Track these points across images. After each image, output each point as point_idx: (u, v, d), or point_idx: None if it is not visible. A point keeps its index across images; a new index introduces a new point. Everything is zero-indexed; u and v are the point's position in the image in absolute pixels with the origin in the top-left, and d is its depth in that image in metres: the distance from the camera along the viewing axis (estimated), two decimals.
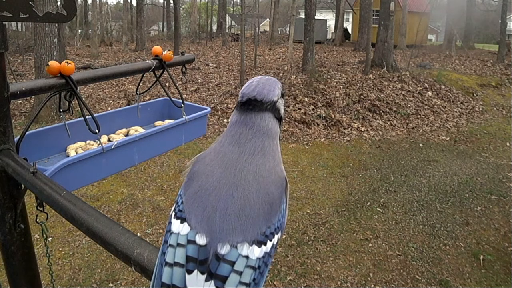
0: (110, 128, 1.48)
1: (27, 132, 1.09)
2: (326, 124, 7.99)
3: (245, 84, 0.60)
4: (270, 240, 0.50)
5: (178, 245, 0.48)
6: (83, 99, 1.13)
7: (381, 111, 8.74)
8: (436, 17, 26.91)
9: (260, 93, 0.57)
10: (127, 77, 9.44)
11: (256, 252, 0.47)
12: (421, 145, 7.54)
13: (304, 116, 8.03)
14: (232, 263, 0.45)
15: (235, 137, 0.56)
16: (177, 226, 0.50)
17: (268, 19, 30.00)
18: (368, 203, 5.11)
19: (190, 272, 0.45)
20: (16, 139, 1.04)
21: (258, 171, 0.53)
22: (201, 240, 0.47)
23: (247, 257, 0.46)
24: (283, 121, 0.64)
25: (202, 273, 0.45)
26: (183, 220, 0.50)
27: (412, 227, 4.58)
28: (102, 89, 9.77)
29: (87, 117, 1.12)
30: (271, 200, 0.52)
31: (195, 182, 0.53)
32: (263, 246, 0.48)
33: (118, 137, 1.44)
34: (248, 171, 0.53)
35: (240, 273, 0.45)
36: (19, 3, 0.92)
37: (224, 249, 0.46)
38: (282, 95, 0.63)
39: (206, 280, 0.45)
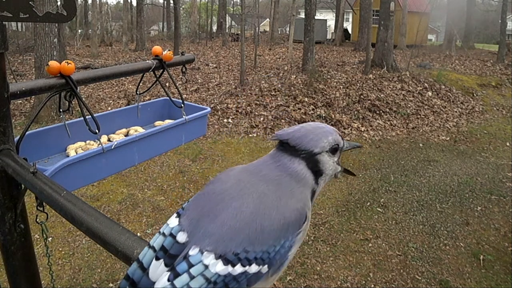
0: (110, 128, 1.48)
1: (27, 132, 1.08)
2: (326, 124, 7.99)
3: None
4: (243, 266, 0.46)
5: (162, 234, 0.51)
6: (83, 99, 1.13)
7: (381, 111, 8.74)
8: (436, 17, 26.91)
9: (296, 138, 0.55)
10: (127, 77, 9.44)
11: (218, 267, 0.45)
12: (421, 145, 7.54)
13: (304, 116, 8.03)
14: (191, 266, 0.46)
15: (260, 161, 0.56)
16: (172, 219, 0.53)
17: (268, 19, 29.99)
18: (368, 203, 5.11)
19: (158, 259, 0.48)
20: (16, 139, 1.04)
21: (267, 193, 0.51)
22: (181, 237, 0.49)
23: (206, 266, 0.45)
24: (323, 179, 0.57)
25: (166, 265, 0.47)
26: (178, 215, 0.53)
27: (412, 227, 4.58)
28: (102, 89, 9.77)
29: (87, 117, 1.12)
30: (265, 226, 0.48)
31: (209, 186, 0.55)
32: (229, 266, 0.46)
33: (118, 137, 1.43)
34: (257, 189, 0.51)
35: (192, 277, 0.45)
36: (19, 3, 0.91)
37: (194, 251, 0.47)
38: (335, 151, 0.57)
39: (167, 271, 0.47)
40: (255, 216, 0.48)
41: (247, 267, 0.46)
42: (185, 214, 0.52)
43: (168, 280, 0.45)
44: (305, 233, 0.53)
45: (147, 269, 0.48)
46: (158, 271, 0.47)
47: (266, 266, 0.48)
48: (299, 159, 0.54)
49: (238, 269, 0.46)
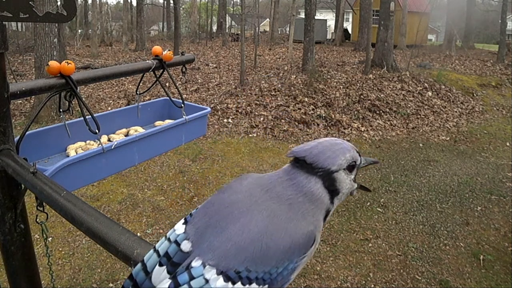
0: (110, 128, 1.48)
1: (27, 132, 1.08)
2: (326, 124, 7.99)
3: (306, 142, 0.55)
4: (243, 284, 0.46)
5: (168, 239, 0.51)
6: (83, 99, 1.13)
7: (381, 111, 8.74)
8: (436, 17, 26.91)
9: (313, 156, 0.52)
10: (127, 77, 9.44)
11: (218, 283, 0.45)
12: (421, 145, 7.54)
13: (304, 116, 8.03)
14: (192, 278, 0.46)
15: (274, 175, 0.54)
16: (179, 225, 0.53)
17: (268, 19, 29.99)
18: (368, 203, 5.11)
19: (161, 264, 0.49)
20: (16, 139, 1.04)
21: (278, 213, 0.49)
22: (185, 246, 0.49)
23: (207, 280, 0.45)
24: (338, 198, 0.54)
25: (169, 272, 0.48)
26: (185, 222, 0.53)
27: (412, 227, 4.58)
28: (102, 89, 9.77)
29: (87, 117, 1.12)
30: (271, 247, 0.47)
31: (219, 194, 0.54)
32: (230, 283, 0.46)
33: (118, 137, 1.43)
34: (268, 208, 0.50)
35: None
36: (19, 3, 0.91)
37: (196, 263, 0.47)
38: (352, 168, 0.55)
39: (168, 279, 0.47)
40: (262, 236, 0.47)
41: (247, 286, 0.46)
42: (192, 222, 0.51)
43: None
44: (311, 254, 0.52)
45: (150, 273, 0.49)
46: (160, 278, 0.48)
47: (266, 286, 0.47)
48: (316, 178, 0.52)
49: (238, 287, 0.46)
